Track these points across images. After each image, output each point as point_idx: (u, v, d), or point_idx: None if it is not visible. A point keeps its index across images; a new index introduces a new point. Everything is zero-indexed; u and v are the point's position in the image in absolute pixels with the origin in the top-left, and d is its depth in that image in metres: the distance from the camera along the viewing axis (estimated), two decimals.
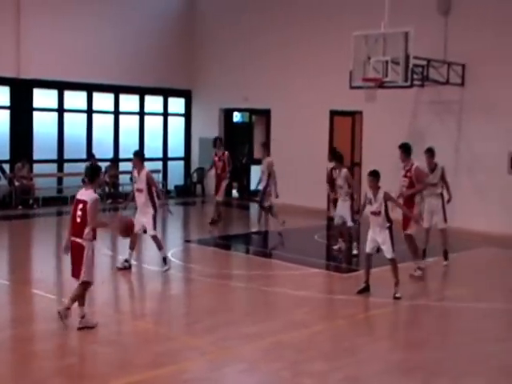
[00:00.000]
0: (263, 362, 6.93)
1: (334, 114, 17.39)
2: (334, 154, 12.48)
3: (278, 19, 18.44)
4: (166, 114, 20.80)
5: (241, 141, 21.09)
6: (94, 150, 18.61)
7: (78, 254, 7.50)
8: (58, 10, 17.73)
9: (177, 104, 21.04)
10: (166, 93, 20.53)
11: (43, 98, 18.02)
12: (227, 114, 20.59)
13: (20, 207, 16.89)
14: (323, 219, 15.80)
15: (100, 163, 18.32)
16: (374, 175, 9.09)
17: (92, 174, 7.76)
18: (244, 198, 19.98)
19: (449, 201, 11.37)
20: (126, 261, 10.41)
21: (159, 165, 20.25)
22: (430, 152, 11.40)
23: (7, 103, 17.43)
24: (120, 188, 18.99)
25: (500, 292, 10.12)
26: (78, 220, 7.47)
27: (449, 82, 14.56)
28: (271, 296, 9.65)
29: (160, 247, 10.46)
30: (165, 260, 10.43)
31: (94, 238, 7.54)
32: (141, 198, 10.36)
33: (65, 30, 17.88)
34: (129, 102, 19.80)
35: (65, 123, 18.30)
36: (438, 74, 14.44)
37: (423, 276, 10.46)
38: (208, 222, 14.94)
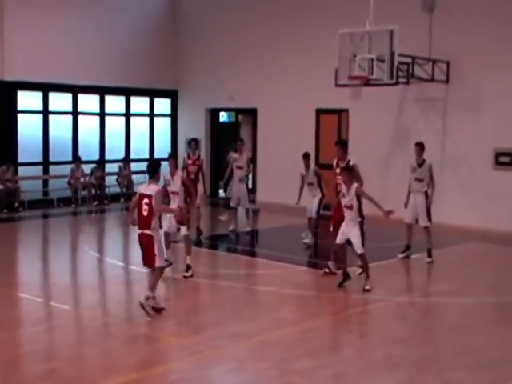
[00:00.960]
0: (251, 361, 6.94)
1: (320, 112, 17.42)
2: (306, 155, 12.64)
3: (262, 18, 18.44)
4: (152, 115, 20.75)
5: (227, 140, 21.07)
6: (80, 152, 18.52)
7: (148, 245, 8.09)
8: (42, 11, 17.62)
9: (163, 104, 21.00)
10: (152, 93, 20.48)
11: (28, 100, 17.89)
12: (213, 113, 20.57)
13: (5, 210, 16.76)
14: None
15: (85, 165, 18.42)
16: (348, 169, 9.73)
17: (152, 171, 8.42)
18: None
19: (429, 203, 11.41)
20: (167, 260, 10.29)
21: (145, 166, 20.13)
22: (420, 146, 11.53)
23: None
24: (106, 190, 18.90)
25: (485, 286, 10.20)
26: (145, 213, 8.07)
27: (434, 79, 14.63)
28: (258, 295, 9.66)
29: (189, 252, 10.23)
30: (188, 267, 10.18)
31: (160, 227, 8.36)
32: (176, 201, 10.21)
33: (49, 31, 17.77)
34: (114, 103, 19.73)
35: (50, 125, 18.19)
36: (423, 71, 14.51)
37: None
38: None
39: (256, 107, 18.83)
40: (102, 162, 19.15)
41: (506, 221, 13.70)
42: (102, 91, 19.21)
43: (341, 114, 16.94)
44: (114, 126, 19.70)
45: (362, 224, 9.47)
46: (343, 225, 9.52)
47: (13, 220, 16.12)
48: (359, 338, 7.82)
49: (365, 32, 13.19)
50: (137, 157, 19.82)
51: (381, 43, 13.02)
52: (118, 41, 19.16)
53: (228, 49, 19.21)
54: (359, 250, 9.41)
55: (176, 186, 10.21)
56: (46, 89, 18.02)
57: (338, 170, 10.47)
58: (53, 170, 18.29)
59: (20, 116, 17.71)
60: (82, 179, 18.22)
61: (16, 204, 17.11)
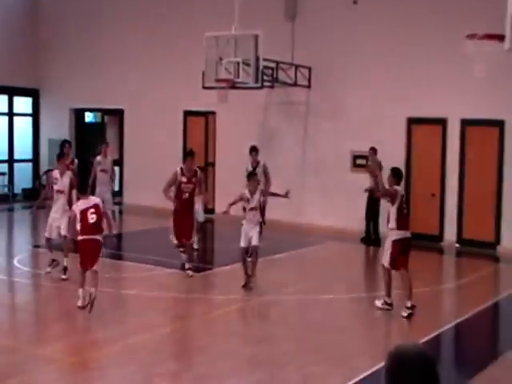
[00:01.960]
0: (115, 367, 6.84)
1: (187, 114, 17.44)
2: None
3: (126, 18, 18.13)
4: (11, 114, 19.75)
5: (93, 141, 20.52)
6: None
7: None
8: None
9: (24, 104, 20.06)
10: (11, 91, 19.50)
11: None
12: (78, 114, 19.95)
13: None
14: None
15: None
16: (254, 178, 10.43)
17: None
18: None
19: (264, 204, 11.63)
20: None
21: (4, 167, 19.18)
22: (255, 150, 12.51)
23: None
24: None
25: (344, 283, 10.70)
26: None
27: (297, 84, 15.13)
28: (124, 299, 9.53)
29: (66, 254, 10.12)
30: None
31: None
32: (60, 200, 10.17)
33: None
34: None
35: None
36: (287, 76, 14.96)
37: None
38: None
39: (123, 108, 18.51)
40: None
41: (360, 220, 14.23)
42: None
43: (208, 116, 17.07)
44: None
45: (261, 224, 10.52)
46: (245, 227, 9.84)
47: None
48: (225, 339, 7.93)
49: (231, 36, 13.40)
50: None
51: (246, 47, 13.29)
52: None
53: (91, 47, 18.66)
54: (255, 242, 9.82)
55: (62, 185, 10.19)
56: None
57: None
58: None
59: None
60: None
61: None
